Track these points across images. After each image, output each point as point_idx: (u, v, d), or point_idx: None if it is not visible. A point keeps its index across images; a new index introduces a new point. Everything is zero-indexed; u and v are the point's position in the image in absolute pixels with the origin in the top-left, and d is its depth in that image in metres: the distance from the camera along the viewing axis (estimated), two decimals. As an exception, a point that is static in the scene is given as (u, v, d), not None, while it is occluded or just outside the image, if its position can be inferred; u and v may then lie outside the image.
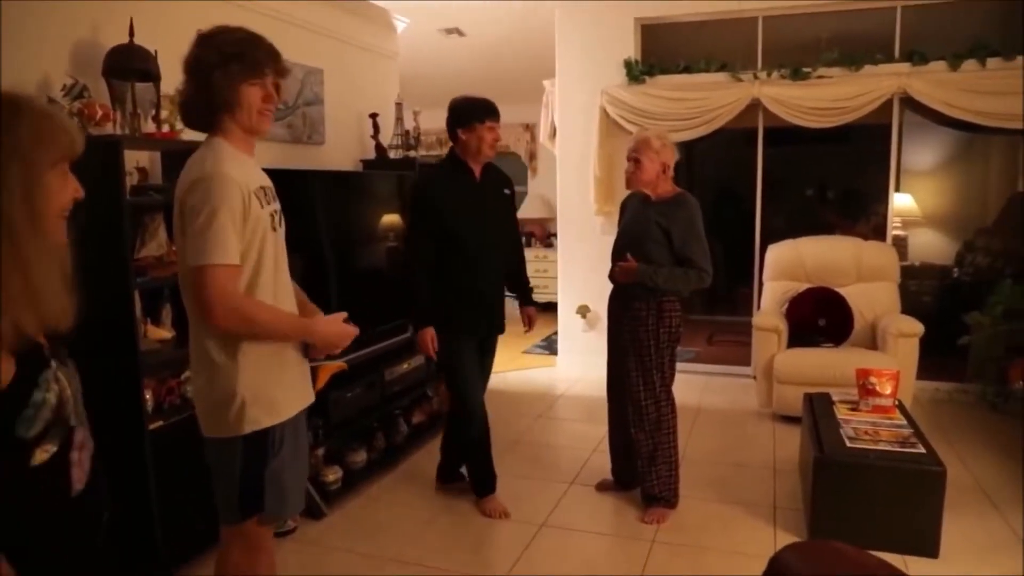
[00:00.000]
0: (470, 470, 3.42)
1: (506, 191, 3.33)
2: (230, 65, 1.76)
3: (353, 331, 1.99)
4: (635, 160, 3.15)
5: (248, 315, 1.78)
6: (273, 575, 2.02)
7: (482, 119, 3.07)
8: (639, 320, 3.14)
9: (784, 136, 5.78)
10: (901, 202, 6.49)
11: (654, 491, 3.23)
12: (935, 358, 4.93)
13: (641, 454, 3.22)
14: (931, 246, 6.72)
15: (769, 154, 5.52)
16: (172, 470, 2.72)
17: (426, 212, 3.13)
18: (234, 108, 1.80)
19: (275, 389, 1.88)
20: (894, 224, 6.27)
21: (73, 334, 1.14)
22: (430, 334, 3.13)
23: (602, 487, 3.55)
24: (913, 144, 6.74)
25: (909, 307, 4.70)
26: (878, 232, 5.63)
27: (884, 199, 5.41)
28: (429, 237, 3.12)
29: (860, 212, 7.13)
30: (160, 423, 2.73)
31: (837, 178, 8.03)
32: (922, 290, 6.08)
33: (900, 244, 6.34)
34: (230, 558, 1.95)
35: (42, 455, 1.07)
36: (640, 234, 3.15)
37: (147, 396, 2.72)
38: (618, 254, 3.21)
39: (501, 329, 3.39)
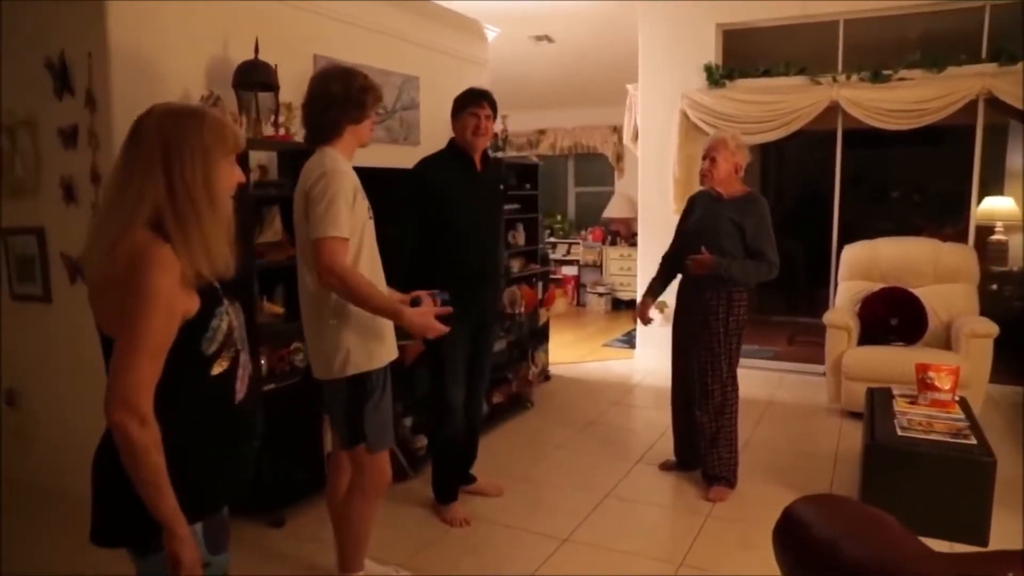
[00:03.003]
0: (434, 472, 3.31)
1: (501, 187, 3.41)
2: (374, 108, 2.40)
3: (441, 328, 2.36)
4: (711, 159, 3.41)
5: (350, 282, 2.19)
6: (380, 489, 2.49)
7: (465, 107, 3.11)
8: (710, 309, 3.37)
9: (871, 139, 5.76)
10: (1002, 205, 6.33)
11: (715, 471, 3.45)
12: (1021, 363, 4.88)
13: (704, 435, 3.45)
14: (1033, 251, 6.52)
15: (853, 156, 5.53)
16: (281, 428, 3.15)
17: (417, 193, 3.09)
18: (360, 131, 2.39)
19: (373, 342, 2.36)
20: (996, 228, 6.17)
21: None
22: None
23: (665, 466, 3.79)
24: (1016, 145, 6.57)
25: (1000, 312, 4.62)
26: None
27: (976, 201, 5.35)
28: (417, 218, 3.07)
29: (951, 215, 6.97)
30: (272, 386, 3.18)
31: (929, 181, 7.86)
32: (1017, 295, 5.95)
33: (1000, 249, 6.20)
34: (356, 479, 2.45)
35: (218, 368, 1.45)
36: (714, 229, 3.38)
37: (262, 362, 3.17)
38: (689, 248, 3.45)
39: (494, 319, 3.46)
